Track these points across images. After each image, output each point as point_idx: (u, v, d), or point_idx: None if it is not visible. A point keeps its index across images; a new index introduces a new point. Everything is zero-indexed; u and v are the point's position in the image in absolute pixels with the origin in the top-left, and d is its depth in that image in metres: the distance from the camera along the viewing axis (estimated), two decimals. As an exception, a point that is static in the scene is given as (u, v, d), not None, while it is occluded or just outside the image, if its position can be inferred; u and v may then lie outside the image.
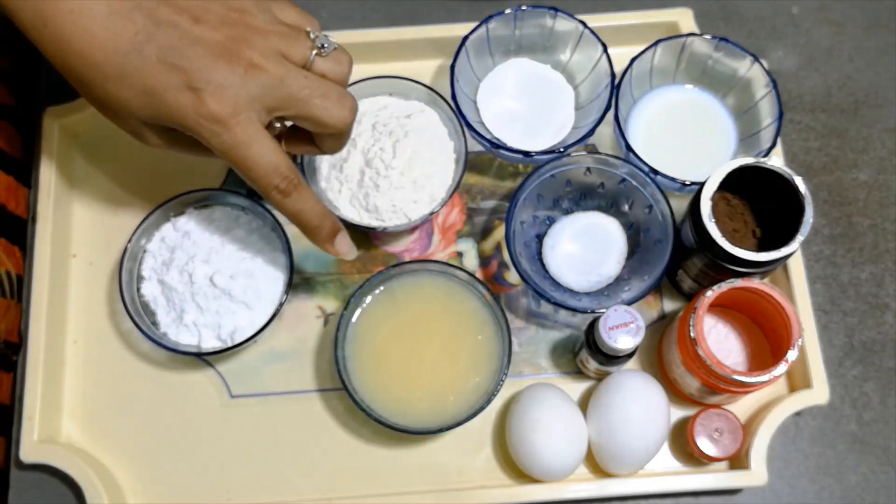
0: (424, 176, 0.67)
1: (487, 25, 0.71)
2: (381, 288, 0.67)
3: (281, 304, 0.65)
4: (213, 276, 0.64)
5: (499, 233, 0.72)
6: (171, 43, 0.52)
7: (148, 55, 0.52)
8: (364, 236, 0.72)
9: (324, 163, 0.69)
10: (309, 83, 0.55)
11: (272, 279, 0.66)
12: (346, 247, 0.62)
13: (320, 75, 0.56)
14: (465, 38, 0.70)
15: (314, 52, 0.56)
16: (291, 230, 0.71)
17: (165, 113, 0.54)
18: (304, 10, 0.59)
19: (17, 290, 0.70)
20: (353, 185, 0.68)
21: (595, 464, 0.65)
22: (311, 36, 0.57)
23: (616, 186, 0.68)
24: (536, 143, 0.71)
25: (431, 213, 0.67)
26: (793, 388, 0.68)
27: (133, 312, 0.65)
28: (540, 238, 0.70)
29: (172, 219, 0.68)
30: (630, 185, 0.67)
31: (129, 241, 0.65)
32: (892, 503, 0.67)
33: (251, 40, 0.54)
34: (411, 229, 0.72)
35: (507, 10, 0.70)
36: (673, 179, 0.66)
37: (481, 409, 0.62)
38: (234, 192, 0.67)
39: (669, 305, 0.70)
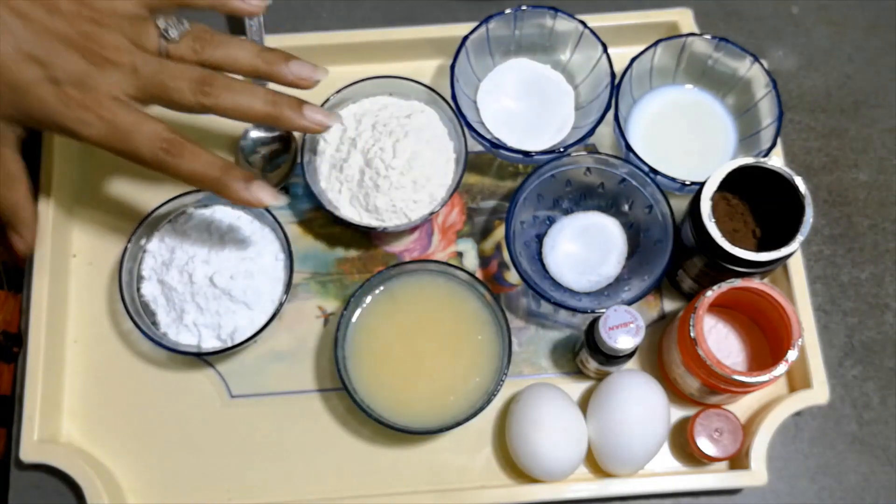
0: (424, 176, 0.67)
1: (487, 25, 0.71)
2: (381, 288, 0.67)
3: (281, 304, 0.65)
4: (213, 276, 0.64)
5: (499, 233, 0.72)
6: (28, 35, 0.53)
7: (4, 46, 0.53)
8: (364, 236, 0.72)
9: (324, 163, 0.69)
10: (161, 68, 0.56)
11: (272, 279, 0.66)
12: (267, 194, 0.58)
13: (179, 59, 0.57)
14: (465, 38, 0.70)
15: (161, 39, 0.57)
16: (291, 231, 0.71)
17: (25, 107, 0.54)
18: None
19: (8, 280, 0.70)
20: (353, 185, 0.68)
21: (595, 464, 0.65)
22: (159, 24, 0.58)
23: (616, 186, 0.68)
24: (536, 143, 0.72)
25: (431, 213, 0.67)
26: (793, 388, 0.68)
27: (133, 312, 0.65)
28: (540, 238, 0.71)
29: (172, 219, 0.68)
30: (630, 185, 0.67)
31: (129, 241, 0.65)
32: (891, 503, 0.67)
33: (100, 35, 0.55)
34: (411, 229, 0.72)
35: (507, 10, 0.70)
36: (673, 179, 0.66)
37: (481, 408, 0.62)
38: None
39: (669, 305, 0.70)
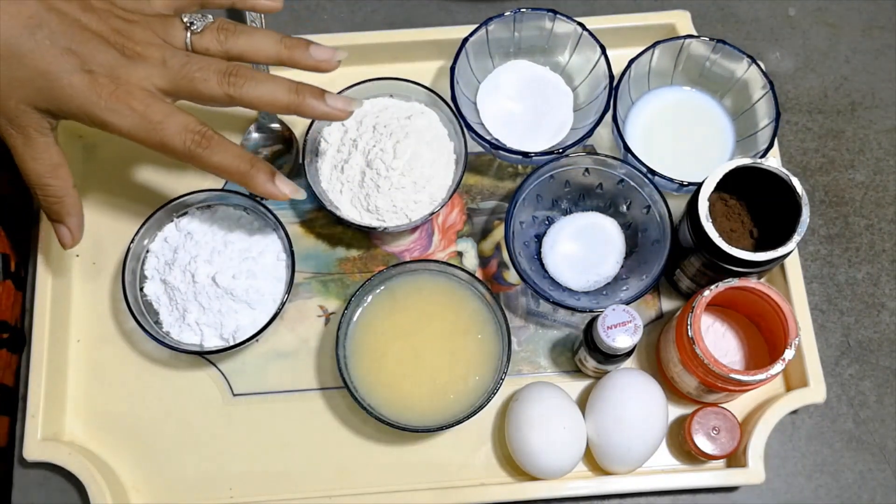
0: (424, 177, 0.68)
1: (487, 27, 0.71)
2: (382, 287, 0.67)
3: (283, 304, 0.65)
4: (216, 275, 0.65)
5: (498, 233, 0.73)
6: (64, 29, 0.55)
7: (41, 39, 0.54)
8: (364, 236, 0.72)
9: (325, 164, 0.70)
10: (188, 60, 0.57)
11: (274, 278, 0.67)
12: (289, 187, 0.60)
13: (203, 52, 0.59)
14: (465, 39, 0.71)
15: (188, 32, 0.59)
16: (293, 231, 0.71)
17: (60, 96, 0.55)
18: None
19: (5, 269, 0.70)
20: (354, 185, 0.68)
21: (594, 461, 0.65)
22: (184, 18, 0.59)
23: (614, 187, 0.69)
24: (535, 144, 0.72)
25: (431, 214, 0.67)
26: (790, 387, 0.68)
27: (136, 312, 0.65)
28: (539, 238, 0.71)
29: (175, 219, 0.68)
30: (628, 186, 0.68)
31: (133, 241, 0.66)
32: (888, 501, 0.67)
33: (131, 31, 0.57)
34: (411, 229, 0.72)
35: (507, 13, 0.71)
36: (671, 180, 0.66)
37: (481, 407, 0.63)
38: (236, 192, 0.68)
39: (667, 305, 0.71)
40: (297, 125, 0.74)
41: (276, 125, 0.74)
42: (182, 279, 0.65)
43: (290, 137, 0.74)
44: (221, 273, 0.65)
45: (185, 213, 0.68)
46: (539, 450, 0.62)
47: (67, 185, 0.61)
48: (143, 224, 0.66)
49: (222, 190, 0.70)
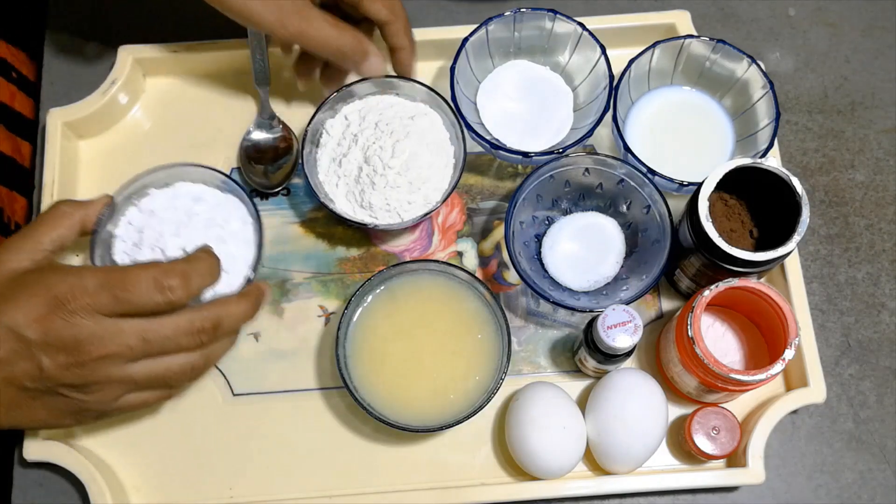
0: (421, 178, 0.68)
1: (487, 27, 0.71)
2: (382, 287, 0.67)
3: (257, 262, 0.65)
4: (185, 247, 0.63)
5: (498, 233, 0.73)
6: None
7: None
8: (364, 236, 0.72)
9: (325, 156, 0.70)
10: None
11: (243, 242, 0.66)
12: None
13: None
14: (465, 39, 0.71)
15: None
16: (293, 231, 0.71)
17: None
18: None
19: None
20: (350, 180, 0.69)
21: (594, 461, 0.65)
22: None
23: (614, 187, 0.69)
24: (535, 143, 0.72)
25: (425, 216, 0.67)
26: (790, 387, 0.68)
27: None
28: (539, 238, 0.71)
29: (136, 202, 0.67)
30: (628, 186, 0.68)
31: (95, 229, 0.64)
32: (888, 500, 0.67)
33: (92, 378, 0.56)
34: (408, 229, 0.72)
35: (507, 13, 0.71)
36: (671, 180, 0.66)
37: (481, 407, 0.63)
38: (194, 165, 0.67)
39: (667, 304, 0.71)
40: (297, 125, 0.74)
41: (275, 124, 0.74)
42: (152, 256, 0.64)
43: (289, 137, 0.74)
44: (190, 243, 0.63)
45: (145, 195, 0.67)
46: (539, 450, 0.62)
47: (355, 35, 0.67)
48: (104, 211, 0.64)
49: (180, 165, 0.68)
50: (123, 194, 0.66)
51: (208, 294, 0.63)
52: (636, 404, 0.63)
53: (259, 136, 0.74)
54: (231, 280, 0.65)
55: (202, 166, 0.67)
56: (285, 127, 0.74)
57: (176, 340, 0.56)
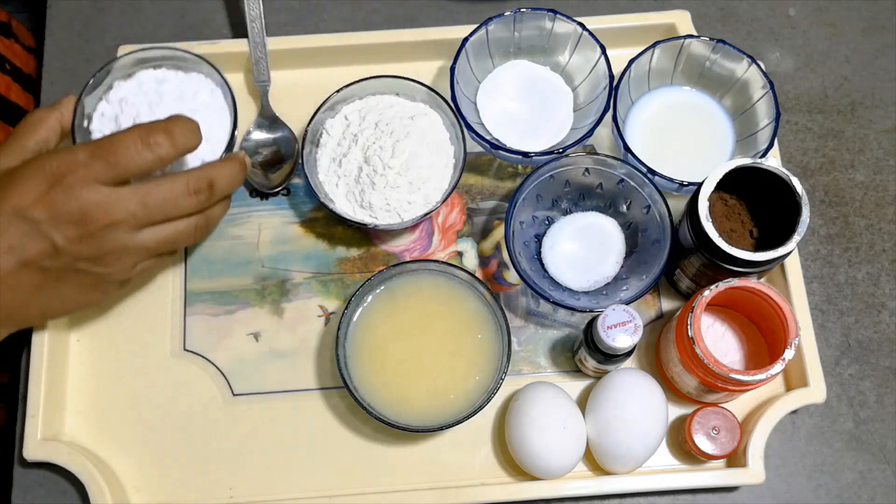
0: (421, 178, 0.68)
1: (487, 27, 0.71)
2: (382, 287, 0.67)
3: (234, 127, 0.66)
4: None
5: (498, 233, 0.73)
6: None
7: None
8: (364, 236, 0.72)
9: (325, 156, 0.70)
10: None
11: (216, 110, 0.67)
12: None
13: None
14: (465, 39, 0.71)
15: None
16: (292, 231, 0.72)
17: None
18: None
19: None
20: (350, 180, 0.69)
21: (594, 461, 0.65)
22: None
23: (614, 187, 0.69)
24: (535, 143, 0.72)
25: (424, 216, 0.67)
26: (790, 387, 0.68)
27: None
28: (539, 238, 0.71)
29: (103, 96, 0.68)
30: (628, 186, 0.68)
31: (73, 129, 0.65)
32: (888, 501, 0.67)
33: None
34: (408, 229, 0.72)
35: (507, 13, 0.71)
36: (671, 180, 0.66)
37: (481, 407, 0.63)
38: (152, 46, 0.68)
39: (667, 304, 0.71)
40: (297, 125, 0.74)
41: (275, 124, 0.74)
42: None
43: (289, 137, 0.74)
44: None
45: (110, 89, 0.68)
46: (539, 450, 0.62)
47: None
48: (75, 109, 0.65)
49: (137, 50, 0.69)
50: (91, 94, 0.67)
51: (195, 162, 0.65)
52: (637, 404, 0.63)
53: (259, 136, 0.74)
54: (214, 148, 0.66)
55: (158, 47, 0.68)
56: (285, 127, 0.74)
57: (175, 202, 0.59)
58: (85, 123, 0.67)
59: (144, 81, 0.68)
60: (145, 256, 0.60)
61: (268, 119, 0.74)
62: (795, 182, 0.60)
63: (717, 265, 0.61)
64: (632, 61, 0.70)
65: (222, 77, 0.68)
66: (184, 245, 0.63)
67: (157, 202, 0.58)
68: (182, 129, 0.59)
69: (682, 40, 0.71)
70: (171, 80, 0.68)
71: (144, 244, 0.59)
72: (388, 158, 0.67)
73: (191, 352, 0.69)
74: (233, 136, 0.66)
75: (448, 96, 0.69)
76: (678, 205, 0.67)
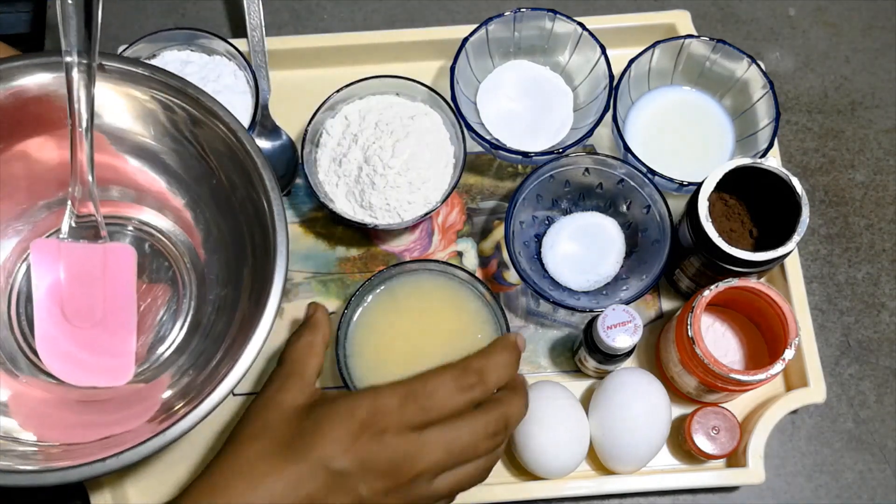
0: (421, 178, 0.68)
1: (487, 27, 0.71)
2: (382, 287, 0.67)
3: (255, 111, 0.69)
4: None
5: (498, 233, 0.73)
6: None
7: None
8: (364, 236, 0.72)
9: (325, 156, 0.70)
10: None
11: (239, 94, 0.70)
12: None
13: None
14: (465, 39, 0.71)
15: None
16: (292, 231, 0.72)
17: None
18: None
19: None
20: (350, 180, 0.69)
21: (597, 461, 0.65)
22: None
23: (614, 187, 0.69)
24: (535, 143, 0.72)
25: (425, 216, 0.67)
26: (790, 387, 0.68)
27: None
28: (539, 238, 0.71)
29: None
30: (628, 186, 0.68)
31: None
32: (888, 501, 0.67)
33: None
34: (408, 229, 0.72)
35: (507, 13, 0.71)
36: (670, 180, 0.66)
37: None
38: (174, 28, 0.71)
39: (667, 304, 0.71)
40: (297, 125, 0.74)
41: (274, 128, 0.74)
42: None
43: (288, 139, 0.74)
44: None
45: None
46: (542, 449, 0.62)
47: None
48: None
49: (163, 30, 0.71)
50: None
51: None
52: (642, 404, 0.63)
53: (258, 137, 0.74)
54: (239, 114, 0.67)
55: (184, 28, 0.71)
56: (282, 131, 0.74)
57: (475, 446, 0.54)
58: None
59: (169, 62, 0.70)
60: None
61: (267, 128, 0.73)
62: (795, 182, 0.60)
63: (717, 265, 0.61)
64: (632, 61, 0.70)
65: (247, 62, 0.70)
66: (471, 487, 0.56)
67: (459, 449, 0.53)
68: (496, 366, 0.56)
69: (682, 40, 0.71)
70: (196, 61, 0.71)
71: (439, 492, 0.54)
72: (388, 158, 0.67)
73: (191, 352, 0.69)
74: (254, 120, 0.68)
75: (448, 96, 0.69)
76: (678, 205, 0.67)
